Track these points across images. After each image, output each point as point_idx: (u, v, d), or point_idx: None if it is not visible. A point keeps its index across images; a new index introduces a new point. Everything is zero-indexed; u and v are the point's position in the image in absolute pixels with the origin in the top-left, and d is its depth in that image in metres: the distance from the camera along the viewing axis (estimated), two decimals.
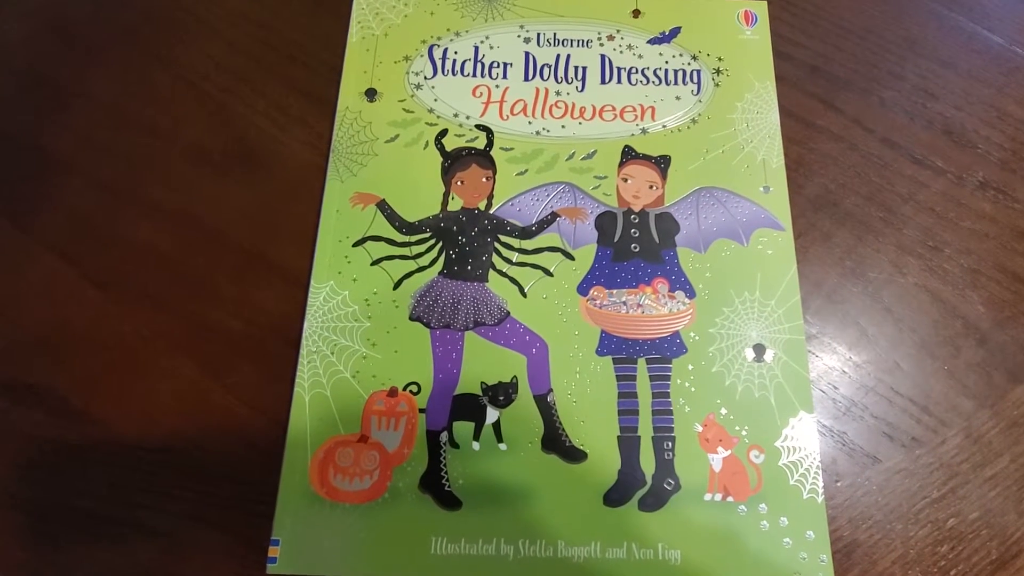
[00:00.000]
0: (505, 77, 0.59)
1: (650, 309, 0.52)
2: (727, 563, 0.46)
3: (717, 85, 0.59)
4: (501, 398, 0.49)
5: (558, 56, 0.60)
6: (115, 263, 0.54)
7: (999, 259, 0.55)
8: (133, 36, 0.63)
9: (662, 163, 0.57)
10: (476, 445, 0.48)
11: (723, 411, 0.50)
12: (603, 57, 0.60)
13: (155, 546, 0.47)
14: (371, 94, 0.58)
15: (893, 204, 0.57)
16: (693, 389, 0.50)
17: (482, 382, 0.50)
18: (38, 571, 0.47)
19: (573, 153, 0.57)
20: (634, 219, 0.55)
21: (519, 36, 0.61)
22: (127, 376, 0.51)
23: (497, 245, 0.54)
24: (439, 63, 0.60)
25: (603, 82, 0.59)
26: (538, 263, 0.53)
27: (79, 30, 0.63)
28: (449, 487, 0.47)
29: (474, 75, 0.59)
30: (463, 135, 0.57)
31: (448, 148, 0.57)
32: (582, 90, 0.59)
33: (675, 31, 0.61)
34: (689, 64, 0.60)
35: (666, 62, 0.60)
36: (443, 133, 0.57)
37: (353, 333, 0.51)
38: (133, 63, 0.62)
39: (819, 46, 0.63)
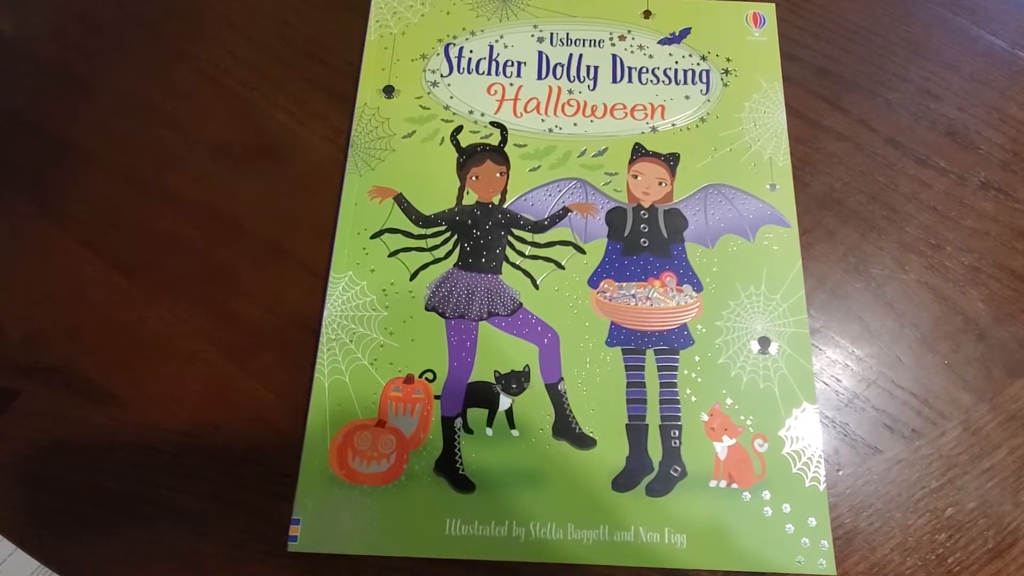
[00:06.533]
0: (519, 76, 0.61)
1: (658, 302, 0.54)
2: (731, 547, 0.47)
3: (726, 85, 0.61)
4: (514, 386, 0.51)
5: (571, 55, 0.62)
6: (139, 251, 0.56)
7: (999, 257, 0.57)
8: (155, 30, 0.64)
9: (671, 160, 0.58)
10: (489, 431, 0.50)
11: (728, 401, 0.51)
12: (614, 57, 0.62)
13: (180, 525, 0.48)
14: (389, 91, 0.60)
15: (896, 203, 0.58)
16: (700, 380, 0.52)
17: (495, 370, 0.51)
18: (64, 550, 0.48)
19: (585, 150, 0.58)
20: (644, 215, 0.56)
21: (533, 36, 0.62)
22: (152, 361, 0.52)
23: (510, 238, 0.55)
24: (455, 61, 0.61)
25: (614, 81, 0.61)
26: (550, 256, 0.55)
27: (103, 24, 0.65)
28: (463, 471, 0.49)
29: (489, 73, 0.61)
30: (478, 132, 0.59)
31: (463, 144, 0.58)
32: (594, 89, 0.60)
33: (685, 32, 0.63)
34: (698, 64, 0.62)
35: (676, 62, 0.62)
36: (458, 129, 0.58)
37: (371, 322, 0.52)
38: (155, 57, 0.63)
39: (826, 48, 0.64)
